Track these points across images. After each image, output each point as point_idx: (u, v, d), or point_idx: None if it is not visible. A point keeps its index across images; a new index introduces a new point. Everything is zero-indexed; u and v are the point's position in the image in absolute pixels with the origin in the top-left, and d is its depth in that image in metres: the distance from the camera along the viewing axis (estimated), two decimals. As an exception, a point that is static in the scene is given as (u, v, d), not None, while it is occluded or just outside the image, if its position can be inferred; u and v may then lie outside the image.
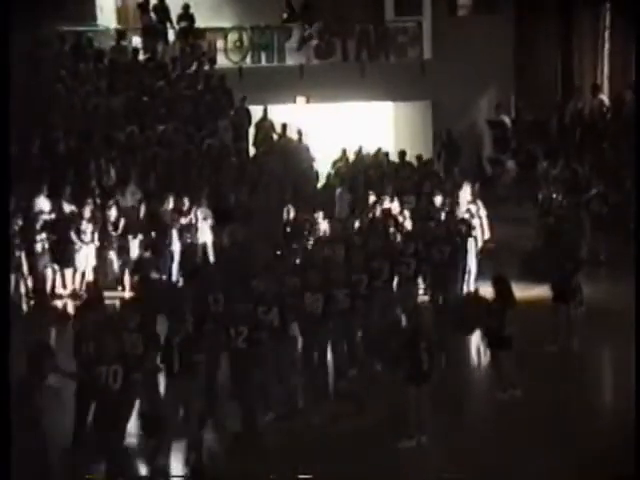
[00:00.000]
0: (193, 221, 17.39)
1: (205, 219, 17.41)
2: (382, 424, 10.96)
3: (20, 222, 16.21)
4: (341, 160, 20.11)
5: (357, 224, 16.23)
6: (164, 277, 16.33)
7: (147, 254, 16.88)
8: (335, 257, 13.03)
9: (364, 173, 19.61)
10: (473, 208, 16.45)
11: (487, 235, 16.32)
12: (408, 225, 16.34)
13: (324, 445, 10.50)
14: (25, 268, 16.06)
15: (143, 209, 17.42)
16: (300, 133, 20.69)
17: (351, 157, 20.31)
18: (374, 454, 10.19)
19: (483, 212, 16.50)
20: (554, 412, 11.19)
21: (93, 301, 11.56)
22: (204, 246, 17.07)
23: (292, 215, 17.25)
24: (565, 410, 11.27)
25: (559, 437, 10.48)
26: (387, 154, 20.17)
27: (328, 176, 20.03)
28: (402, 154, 19.88)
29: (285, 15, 22.86)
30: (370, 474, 9.86)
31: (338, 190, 19.14)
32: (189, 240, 17.13)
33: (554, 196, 18.11)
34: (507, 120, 22.28)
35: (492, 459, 10.12)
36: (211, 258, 16.64)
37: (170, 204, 17.45)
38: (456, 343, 13.40)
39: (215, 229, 17.28)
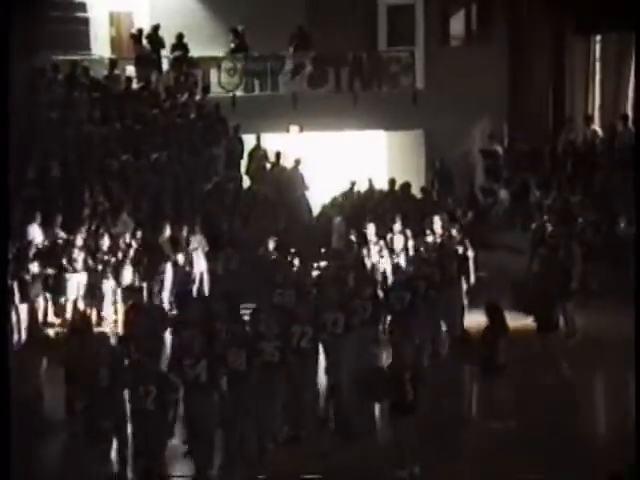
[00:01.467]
0: (186, 249, 17.47)
1: (198, 247, 17.47)
2: (374, 455, 10.93)
3: (13, 250, 16.21)
4: (350, 193, 20.00)
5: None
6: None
7: (138, 282, 16.95)
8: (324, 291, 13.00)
9: (363, 205, 19.66)
10: (460, 249, 16.44)
11: (472, 280, 16.24)
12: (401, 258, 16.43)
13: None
14: (17, 297, 16.05)
15: (136, 237, 17.44)
16: (296, 162, 20.80)
17: (355, 189, 20.33)
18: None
19: (470, 253, 16.47)
20: (547, 441, 11.20)
21: (81, 329, 11.58)
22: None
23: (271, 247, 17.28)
24: (557, 438, 11.27)
25: (554, 466, 10.48)
26: (393, 182, 20.24)
27: (324, 206, 20.09)
28: (407, 186, 20.03)
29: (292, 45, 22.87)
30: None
31: (337, 220, 19.19)
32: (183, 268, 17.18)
33: (547, 225, 18.19)
34: (500, 149, 22.43)
35: None
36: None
37: (165, 232, 17.54)
38: (449, 372, 13.48)
39: (210, 257, 17.33)
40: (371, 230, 17.09)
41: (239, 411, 10.54)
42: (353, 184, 20.47)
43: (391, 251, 16.84)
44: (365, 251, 16.68)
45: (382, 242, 17.06)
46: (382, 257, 16.73)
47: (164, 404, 9.80)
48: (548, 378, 13.16)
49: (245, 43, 22.71)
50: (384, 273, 16.09)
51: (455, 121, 21.97)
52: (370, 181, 20.69)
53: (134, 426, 9.93)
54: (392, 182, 20.31)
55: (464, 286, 16.06)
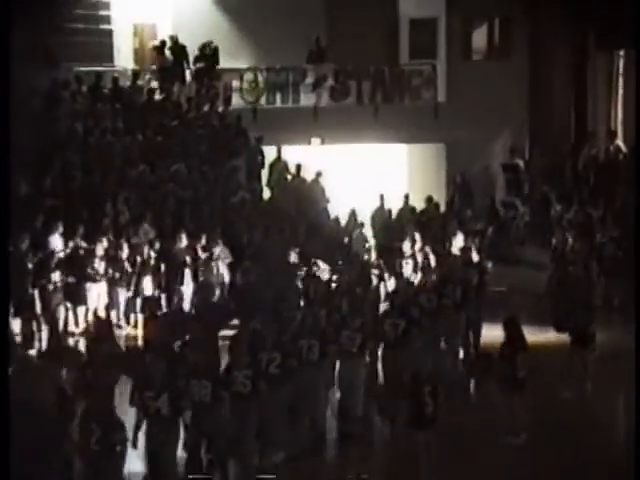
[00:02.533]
0: (206, 260, 17.57)
1: (220, 258, 17.56)
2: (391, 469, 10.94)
3: (35, 260, 16.35)
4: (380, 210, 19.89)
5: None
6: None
7: (157, 292, 17.06)
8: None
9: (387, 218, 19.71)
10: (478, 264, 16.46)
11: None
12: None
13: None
14: (38, 306, 16.17)
15: (156, 247, 17.55)
16: (317, 174, 20.86)
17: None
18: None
19: (489, 268, 16.49)
20: (566, 458, 11.16)
21: (103, 334, 11.68)
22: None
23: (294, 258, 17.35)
24: (578, 456, 11.24)
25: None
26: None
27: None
28: (429, 200, 20.07)
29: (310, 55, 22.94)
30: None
31: (356, 232, 19.26)
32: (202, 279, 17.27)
33: (567, 240, 18.16)
34: (521, 163, 22.41)
35: None
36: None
37: (183, 242, 17.65)
38: (468, 386, 13.45)
39: (232, 267, 17.41)
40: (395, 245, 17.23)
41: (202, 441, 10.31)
42: (382, 199, 20.33)
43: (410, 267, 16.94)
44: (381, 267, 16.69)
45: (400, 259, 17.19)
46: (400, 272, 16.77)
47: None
48: (570, 393, 13.11)
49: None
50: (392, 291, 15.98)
51: (476, 135, 22.01)
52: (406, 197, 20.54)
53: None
54: (430, 200, 20.26)
55: (482, 301, 16.11)
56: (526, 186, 21.89)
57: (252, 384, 10.38)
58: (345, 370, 11.97)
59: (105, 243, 17.20)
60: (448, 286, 14.26)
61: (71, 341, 16.09)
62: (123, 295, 17.26)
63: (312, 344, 11.46)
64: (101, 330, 12.89)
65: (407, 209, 20.26)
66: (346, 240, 19.39)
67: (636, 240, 14.98)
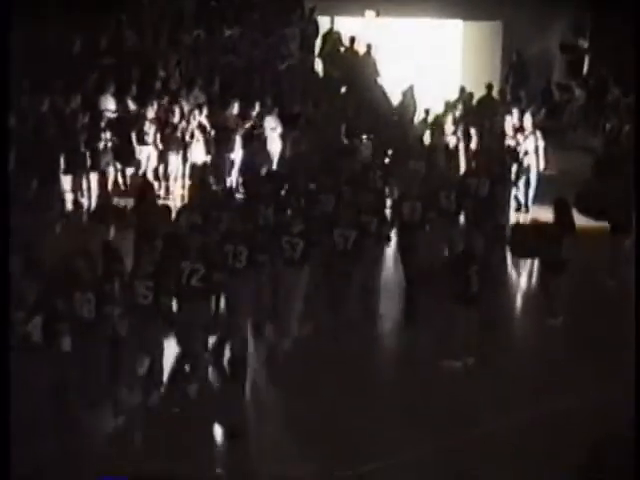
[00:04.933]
0: (258, 128, 17.76)
1: (272, 128, 17.76)
2: (428, 344, 11.19)
3: (85, 119, 16.70)
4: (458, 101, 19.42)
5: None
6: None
7: (207, 159, 17.38)
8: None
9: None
10: (532, 139, 16.60)
11: (542, 166, 16.50)
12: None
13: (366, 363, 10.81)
14: (88, 165, 16.61)
15: (206, 113, 17.78)
16: (368, 47, 20.80)
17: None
18: (419, 373, 10.50)
19: (541, 143, 16.65)
20: (601, 342, 11.41)
21: (145, 194, 12.12)
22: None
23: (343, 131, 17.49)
24: (613, 342, 11.45)
25: (606, 367, 10.71)
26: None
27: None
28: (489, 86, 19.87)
29: None
30: (412, 394, 10.08)
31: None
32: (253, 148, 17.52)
33: (623, 126, 18.03)
34: (582, 44, 21.97)
35: (539, 383, 10.41)
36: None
37: (234, 110, 17.84)
38: (507, 266, 13.71)
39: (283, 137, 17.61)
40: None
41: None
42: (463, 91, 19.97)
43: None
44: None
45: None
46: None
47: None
48: (610, 280, 13.37)
49: None
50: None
51: (536, 12, 21.57)
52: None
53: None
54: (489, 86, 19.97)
55: (533, 181, 16.35)
56: (584, 68, 21.58)
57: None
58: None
59: (155, 106, 17.48)
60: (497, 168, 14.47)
61: (119, 202, 16.63)
62: (173, 159, 17.63)
63: (348, 234, 11.42)
64: (143, 192, 13.35)
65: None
66: (396, 119, 19.45)
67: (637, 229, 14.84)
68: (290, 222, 11.35)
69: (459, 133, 17.68)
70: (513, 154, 16.33)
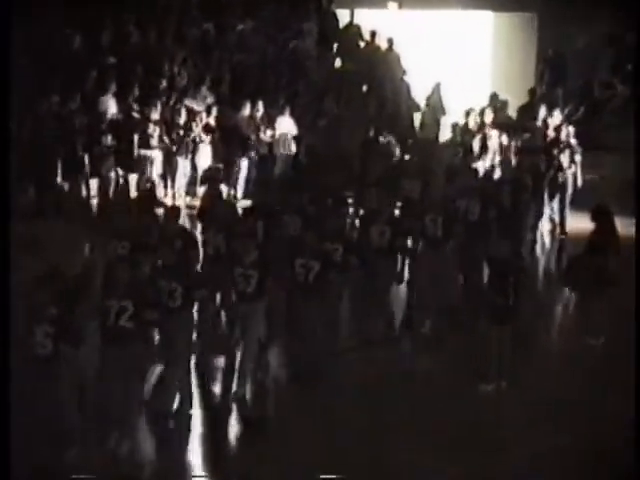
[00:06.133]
0: (270, 131, 17.16)
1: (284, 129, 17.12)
2: (461, 366, 10.73)
3: (85, 121, 16.02)
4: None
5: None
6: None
7: (218, 164, 16.68)
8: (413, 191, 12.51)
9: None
10: (567, 152, 15.75)
11: (579, 182, 15.61)
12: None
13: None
14: (87, 170, 15.91)
15: (215, 114, 17.07)
16: (389, 41, 19.99)
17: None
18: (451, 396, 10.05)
19: (578, 158, 15.79)
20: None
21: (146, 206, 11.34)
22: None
23: (372, 133, 16.76)
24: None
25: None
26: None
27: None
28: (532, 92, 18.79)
29: None
30: (445, 417, 9.64)
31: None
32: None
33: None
34: (628, 37, 21.01)
35: (578, 407, 9.85)
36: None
37: (245, 111, 17.16)
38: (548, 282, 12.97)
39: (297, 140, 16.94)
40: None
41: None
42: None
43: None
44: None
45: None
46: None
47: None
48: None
49: None
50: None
51: (574, 3, 20.74)
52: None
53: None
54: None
55: (569, 190, 15.55)
56: (628, 64, 20.64)
57: None
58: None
59: (160, 107, 16.76)
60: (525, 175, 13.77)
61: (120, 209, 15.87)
62: (180, 164, 16.91)
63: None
64: (144, 201, 12.49)
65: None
66: (419, 118, 18.67)
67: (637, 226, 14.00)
68: (244, 250, 9.81)
69: (489, 142, 16.70)
70: (549, 162, 15.46)
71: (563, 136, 16.10)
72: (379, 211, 11.38)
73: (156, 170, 16.71)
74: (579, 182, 15.82)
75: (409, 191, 12.94)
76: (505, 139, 16.63)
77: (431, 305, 11.49)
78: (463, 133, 16.41)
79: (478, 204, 12.22)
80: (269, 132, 17.31)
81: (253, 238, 10.04)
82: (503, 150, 16.56)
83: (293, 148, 17.22)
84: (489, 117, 16.84)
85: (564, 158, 15.76)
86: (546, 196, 15.30)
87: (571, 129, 16.32)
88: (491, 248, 10.77)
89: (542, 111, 17.30)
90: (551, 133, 16.35)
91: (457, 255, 11.77)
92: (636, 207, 13.65)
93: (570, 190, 15.81)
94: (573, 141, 16.03)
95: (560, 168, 15.62)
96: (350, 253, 10.66)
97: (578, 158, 15.96)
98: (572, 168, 15.82)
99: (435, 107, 18.77)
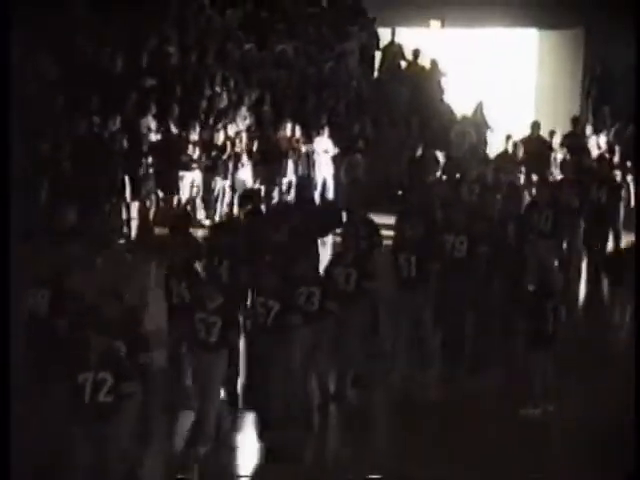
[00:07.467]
0: (310, 152, 17.30)
1: (325, 151, 17.22)
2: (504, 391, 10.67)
3: (125, 144, 16.20)
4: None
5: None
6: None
7: (258, 185, 16.84)
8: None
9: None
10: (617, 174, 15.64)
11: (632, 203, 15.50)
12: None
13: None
14: (128, 194, 16.08)
15: (255, 135, 17.24)
16: (432, 62, 20.08)
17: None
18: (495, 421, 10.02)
19: (629, 176, 15.70)
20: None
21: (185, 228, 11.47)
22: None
23: (419, 153, 16.86)
24: None
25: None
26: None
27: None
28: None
29: None
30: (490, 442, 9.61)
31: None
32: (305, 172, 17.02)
33: None
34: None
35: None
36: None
37: (286, 131, 17.31)
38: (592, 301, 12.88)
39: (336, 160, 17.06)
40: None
41: None
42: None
43: None
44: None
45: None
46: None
47: None
48: None
49: None
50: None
51: (623, 18, 20.65)
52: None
53: None
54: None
55: (621, 214, 15.39)
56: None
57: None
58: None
59: (199, 128, 16.96)
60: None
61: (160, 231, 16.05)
62: (219, 185, 17.08)
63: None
64: (180, 223, 12.60)
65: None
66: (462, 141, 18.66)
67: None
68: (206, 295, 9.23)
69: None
70: (598, 182, 15.30)
71: (612, 155, 16.03)
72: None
73: (195, 191, 16.91)
74: (632, 202, 15.71)
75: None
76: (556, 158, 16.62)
77: None
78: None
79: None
80: (308, 151, 17.48)
81: None
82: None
83: (331, 169, 17.34)
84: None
85: (613, 177, 15.64)
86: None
87: (618, 148, 16.25)
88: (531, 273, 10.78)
89: (588, 129, 17.26)
90: (599, 151, 16.29)
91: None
92: (636, 207, 13.50)
93: (622, 211, 15.67)
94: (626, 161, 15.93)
95: (612, 188, 15.42)
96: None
97: (629, 177, 15.86)
98: (623, 188, 15.70)
99: (479, 125, 18.81)
